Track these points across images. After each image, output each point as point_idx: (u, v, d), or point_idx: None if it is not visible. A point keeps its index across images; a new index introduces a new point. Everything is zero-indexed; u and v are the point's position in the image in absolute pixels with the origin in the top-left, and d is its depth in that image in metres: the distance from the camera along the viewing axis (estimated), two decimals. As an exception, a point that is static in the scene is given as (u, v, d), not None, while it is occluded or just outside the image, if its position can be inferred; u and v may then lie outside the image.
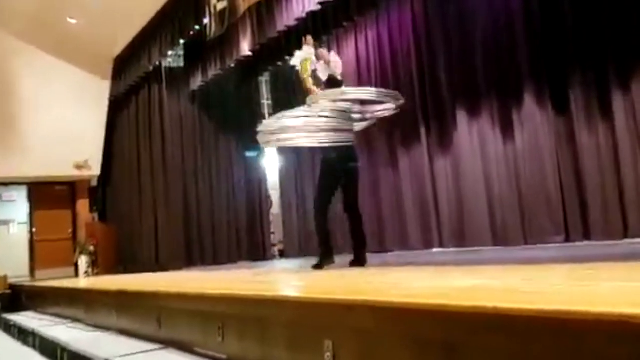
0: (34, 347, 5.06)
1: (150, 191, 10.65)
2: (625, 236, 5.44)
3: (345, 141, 4.55)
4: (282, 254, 10.93)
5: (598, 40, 5.72)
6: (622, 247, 4.96)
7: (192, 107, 10.94)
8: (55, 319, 6.02)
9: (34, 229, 11.78)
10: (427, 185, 7.62)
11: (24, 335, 5.64)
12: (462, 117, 7.12)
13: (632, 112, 5.46)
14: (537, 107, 6.28)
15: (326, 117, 4.44)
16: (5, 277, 9.65)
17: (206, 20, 8.50)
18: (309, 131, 4.51)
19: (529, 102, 6.36)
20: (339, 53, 9.12)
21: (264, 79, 11.45)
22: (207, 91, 10.84)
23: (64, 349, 3.97)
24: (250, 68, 9.88)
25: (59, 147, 10.90)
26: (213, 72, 9.68)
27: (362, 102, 4.81)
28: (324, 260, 4.71)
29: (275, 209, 11.38)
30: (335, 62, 4.95)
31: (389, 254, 7.73)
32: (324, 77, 4.83)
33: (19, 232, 12.00)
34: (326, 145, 4.51)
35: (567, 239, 5.96)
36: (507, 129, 6.64)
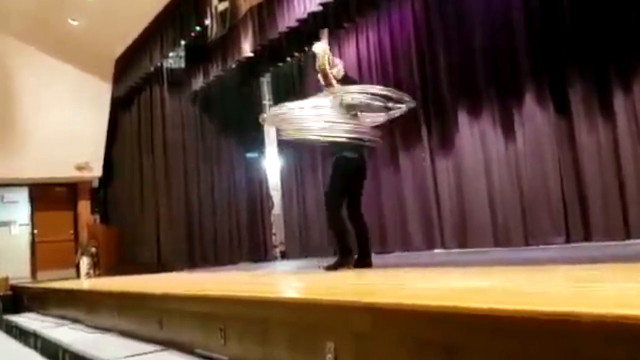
0: (35, 348, 5.06)
1: (152, 192, 10.65)
2: (627, 237, 5.44)
3: (362, 139, 4.55)
4: (284, 255, 10.93)
5: (598, 40, 5.72)
6: (623, 247, 4.95)
7: (194, 108, 10.96)
8: (56, 320, 6.02)
9: (35, 230, 11.80)
10: (428, 185, 7.62)
11: (25, 337, 5.65)
12: (463, 117, 7.13)
13: (633, 111, 5.46)
14: (538, 107, 6.28)
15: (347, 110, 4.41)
16: (6, 279, 9.66)
17: (207, 21, 8.51)
18: (324, 124, 4.45)
19: (529, 102, 6.36)
20: (340, 53, 9.16)
21: (265, 80, 11.46)
22: (209, 92, 10.85)
23: (65, 350, 3.97)
24: (251, 69, 9.88)
25: (60, 148, 10.92)
26: (214, 73, 9.69)
27: (384, 98, 4.71)
28: (344, 261, 4.55)
29: (277, 209, 11.38)
30: (339, 65, 4.94)
31: (391, 254, 7.73)
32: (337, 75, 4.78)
33: (21, 233, 12.02)
34: (341, 138, 4.44)
35: (568, 240, 5.96)
36: (508, 130, 6.64)
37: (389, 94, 4.52)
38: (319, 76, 4.65)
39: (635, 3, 5.36)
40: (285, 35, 8.02)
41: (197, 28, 8.99)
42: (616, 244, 5.33)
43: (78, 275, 11.09)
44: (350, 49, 8.99)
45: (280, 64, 9.84)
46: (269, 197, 11.36)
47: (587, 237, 5.81)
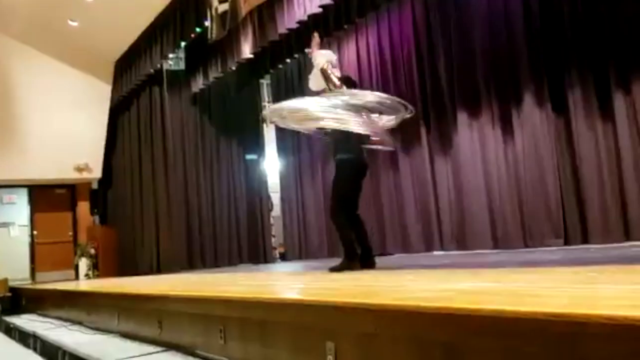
0: (34, 349, 5.06)
1: (151, 193, 10.65)
2: (625, 239, 5.44)
3: (366, 141, 4.54)
4: (283, 257, 10.93)
5: (598, 42, 5.73)
6: (623, 250, 4.96)
7: (193, 109, 10.98)
8: (55, 321, 6.01)
9: (34, 232, 11.79)
10: (428, 187, 7.63)
11: (24, 338, 5.64)
12: (462, 119, 7.14)
13: (632, 113, 5.47)
14: (537, 109, 6.29)
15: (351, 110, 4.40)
16: (5, 280, 9.65)
17: (207, 23, 8.51)
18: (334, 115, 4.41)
19: (528, 104, 6.37)
20: (340, 55, 9.17)
21: (265, 82, 11.47)
22: (208, 94, 10.88)
23: (64, 352, 3.97)
24: (251, 71, 9.90)
25: (60, 149, 10.92)
26: (214, 74, 9.71)
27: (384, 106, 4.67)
28: (350, 264, 4.51)
29: (276, 211, 11.38)
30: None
31: (390, 257, 7.73)
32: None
33: (20, 234, 12.01)
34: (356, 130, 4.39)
35: (567, 242, 5.97)
36: (507, 132, 6.66)
37: (392, 103, 4.48)
38: (320, 78, 4.65)
39: (635, 4, 5.37)
40: (285, 37, 8.03)
41: (197, 30, 9.00)
42: (615, 246, 5.33)
43: (77, 277, 11.08)
44: (350, 51, 9.00)
45: (280, 66, 9.85)
46: (269, 198, 11.36)
47: (586, 239, 5.82)
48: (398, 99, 4.48)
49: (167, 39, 9.55)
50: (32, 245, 11.75)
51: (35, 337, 5.14)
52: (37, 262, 11.61)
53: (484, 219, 6.84)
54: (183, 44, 9.78)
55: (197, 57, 10.13)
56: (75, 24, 10.44)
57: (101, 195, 12.19)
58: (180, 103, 10.87)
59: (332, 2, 7.05)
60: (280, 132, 10.27)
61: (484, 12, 6.93)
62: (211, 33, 8.31)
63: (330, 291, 2.79)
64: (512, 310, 1.36)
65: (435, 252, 7.41)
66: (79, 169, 11.42)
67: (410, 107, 4.47)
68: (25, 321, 6.64)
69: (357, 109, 4.40)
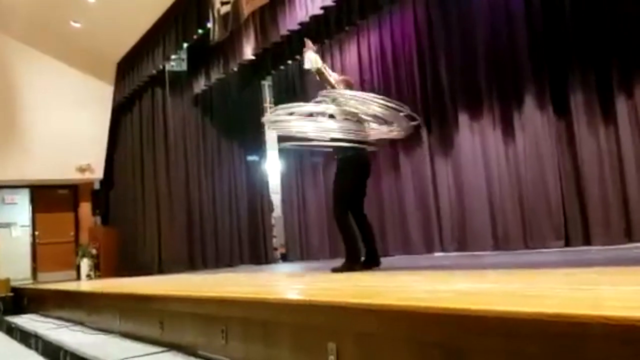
0: (36, 350, 5.06)
1: (153, 194, 10.65)
2: (627, 240, 5.44)
3: (364, 141, 4.57)
4: (284, 258, 10.94)
5: (600, 43, 5.73)
6: (624, 251, 4.96)
7: (195, 110, 10.98)
8: (57, 321, 6.02)
9: (36, 232, 11.80)
10: (428, 189, 7.63)
11: (26, 338, 5.65)
12: (463, 120, 7.14)
13: (634, 115, 5.48)
14: (539, 110, 6.30)
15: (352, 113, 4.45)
16: (7, 280, 9.66)
17: (209, 24, 8.52)
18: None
19: (530, 105, 6.38)
20: (341, 56, 9.19)
21: (267, 83, 11.49)
22: (210, 95, 10.88)
23: (66, 352, 3.98)
24: (253, 72, 9.91)
25: (62, 150, 10.93)
26: (216, 75, 9.72)
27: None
28: (353, 264, 4.52)
29: (277, 212, 11.39)
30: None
31: (391, 257, 7.73)
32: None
33: (22, 235, 12.02)
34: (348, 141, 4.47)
35: (568, 243, 5.97)
36: (508, 133, 6.66)
37: (394, 106, 4.50)
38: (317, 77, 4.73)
39: (637, 5, 5.37)
40: (287, 39, 8.03)
41: (200, 31, 9.01)
42: (616, 247, 5.33)
43: (79, 277, 11.09)
44: (351, 52, 9.01)
45: (282, 67, 9.86)
46: (270, 199, 11.37)
47: (587, 241, 5.82)
48: (403, 110, 4.51)
49: (169, 40, 9.56)
50: (34, 246, 11.76)
51: (36, 337, 5.15)
52: (39, 263, 11.62)
53: (484, 221, 6.84)
54: (185, 45, 9.78)
55: (199, 58, 10.14)
56: (77, 25, 10.46)
57: (103, 195, 12.19)
58: (182, 104, 10.89)
59: (333, 4, 7.06)
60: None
61: (486, 13, 6.94)
62: (213, 34, 8.31)
63: (331, 291, 2.80)
64: (513, 311, 1.36)
65: (435, 254, 7.41)
66: (81, 170, 11.43)
67: (417, 117, 4.52)
68: (27, 321, 6.65)
69: (357, 117, 4.47)
